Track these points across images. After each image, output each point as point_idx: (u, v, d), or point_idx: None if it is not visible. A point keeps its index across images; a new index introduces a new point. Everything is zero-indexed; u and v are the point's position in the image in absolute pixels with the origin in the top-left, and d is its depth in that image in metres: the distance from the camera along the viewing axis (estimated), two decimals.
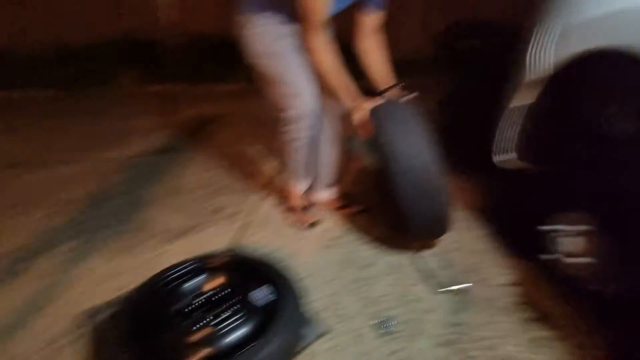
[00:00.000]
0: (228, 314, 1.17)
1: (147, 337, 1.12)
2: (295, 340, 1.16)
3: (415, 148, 1.47)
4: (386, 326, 1.34)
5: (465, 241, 1.87)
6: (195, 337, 1.11)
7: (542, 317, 1.37)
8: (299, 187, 2.04)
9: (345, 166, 2.33)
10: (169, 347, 1.11)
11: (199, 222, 2.03)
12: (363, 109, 1.57)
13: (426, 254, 1.76)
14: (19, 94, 4.72)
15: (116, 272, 1.63)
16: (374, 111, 1.56)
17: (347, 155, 2.29)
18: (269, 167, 2.68)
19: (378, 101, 1.61)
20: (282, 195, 2.12)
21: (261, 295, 1.27)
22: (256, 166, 2.72)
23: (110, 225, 1.99)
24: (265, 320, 1.16)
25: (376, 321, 1.37)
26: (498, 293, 1.51)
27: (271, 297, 1.25)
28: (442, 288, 1.53)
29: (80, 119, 3.84)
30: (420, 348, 1.27)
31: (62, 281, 1.57)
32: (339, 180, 2.20)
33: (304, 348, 1.25)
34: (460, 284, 1.53)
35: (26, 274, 1.61)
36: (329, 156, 2.04)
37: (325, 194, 2.16)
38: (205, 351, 1.07)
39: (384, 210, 1.85)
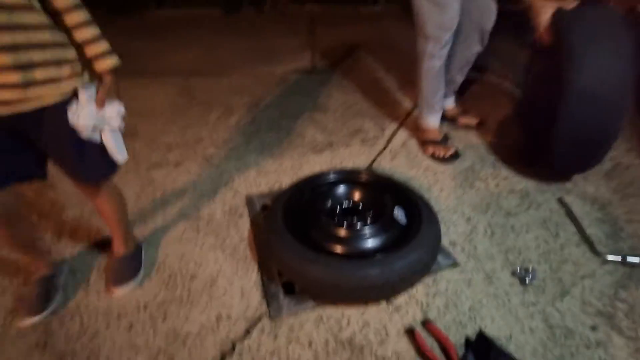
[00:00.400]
0: (372, 222, 1.27)
1: (297, 227, 1.30)
2: (430, 261, 1.21)
3: (609, 66, 1.18)
4: (525, 277, 1.26)
5: None
6: (341, 234, 1.26)
7: None
8: (434, 120, 1.98)
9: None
10: (317, 237, 1.29)
11: (340, 140, 2.16)
12: (549, 9, 1.29)
13: (590, 218, 1.51)
14: (188, 13, 5.52)
15: (270, 170, 1.92)
16: (566, 14, 1.27)
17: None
18: (406, 97, 2.62)
19: (571, 3, 1.30)
20: (419, 128, 2.05)
21: (403, 214, 1.32)
22: (394, 95, 2.69)
23: (265, 130, 2.30)
24: (406, 236, 1.22)
25: (514, 269, 1.30)
26: None
27: (413, 218, 1.30)
28: (608, 256, 1.32)
29: (240, 36, 4.33)
30: (560, 309, 1.17)
31: (228, 170, 1.94)
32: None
33: (436, 272, 1.30)
34: (634, 257, 1.28)
35: (211, 159, 2.04)
36: (457, 69, 2.04)
37: (445, 103, 2.19)
38: (349, 248, 1.22)
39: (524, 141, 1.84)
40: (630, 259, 1.29)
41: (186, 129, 2.34)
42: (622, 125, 1.39)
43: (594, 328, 1.11)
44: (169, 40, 4.23)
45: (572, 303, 1.18)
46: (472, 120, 2.21)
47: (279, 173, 1.90)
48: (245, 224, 1.57)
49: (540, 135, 1.63)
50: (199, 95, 2.85)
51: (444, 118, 2.24)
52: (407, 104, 2.55)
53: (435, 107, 1.95)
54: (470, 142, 2.07)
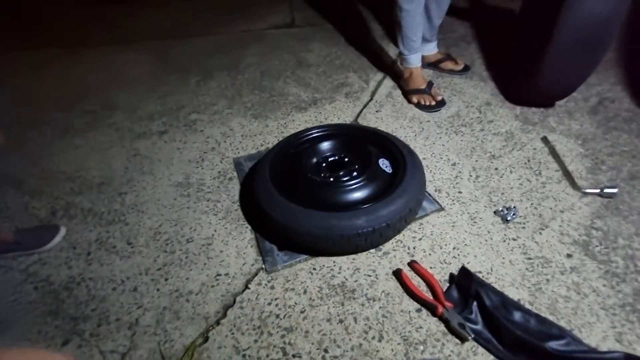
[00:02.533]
0: (358, 174, 1.30)
1: (284, 185, 1.33)
2: (415, 208, 1.25)
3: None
4: (507, 215, 1.31)
5: (632, 146, 1.55)
6: (327, 188, 1.28)
7: None
8: (415, 60, 1.94)
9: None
10: (304, 193, 1.31)
11: (324, 96, 2.12)
12: None
13: (572, 154, 1.54)
14: None
15: (256, 132, 1.90)
16: None
17: None
18: (391, 44, 2.53)
19: None
20: (402, 77, 2.01)
21: (388, 163, 1.34)
22: (378, 43, 2.59)
23: (247, 92, 2.24)
24: (392, 184, 1.25)
25: (496, 209, 1.35)
26: None
27: (398, 167, 1.32)
28: (587, 189, 1.37)
29: None
30: (539, 241, 1.23)
31: (213, 135, 1.92)
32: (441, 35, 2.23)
33: (422, 217, 1.35)
34: (611, 188, 1.33)
35: (195, 125, 2.01)
36: (436, 11, 1.98)
37: (428, 48, 2.18)
38: (336, 200, 1.25)
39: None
40: (607, 190, 1.34)
41: (166, 97, 2.28)
42: (616, 33, 1.45)
43: (569, 256, 1.18)
44: (136, 3, 3.96)
45: (551, 235, 1.25)
46: (456, 66, 2.17)
47: (264, 134, 1.89)
48: (235, 187, 1.59)
49: (531, 58, 1.66)
50: (175, 60, 2.73)
51: (429, 65, 2.19)
52: (391, 51, 2.47)
53: (415, 46, 1.89)
54: (455, 87, 2.04)
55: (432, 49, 2.19)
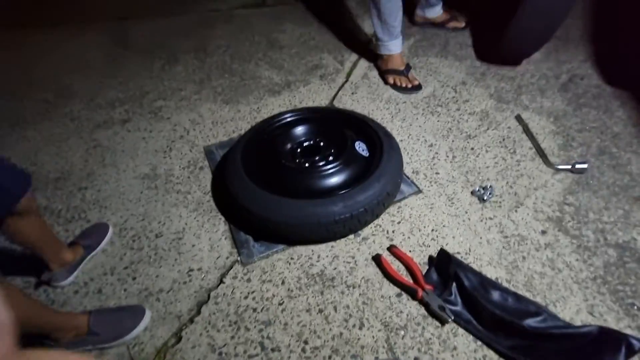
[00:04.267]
0: (334, 159, 1.25)
1: (257, 173, 1.26)
2: (393, 191, 1.22)
3: None
4: (483, 194, 1.31)
5: (601, 122, 1.58)
6: (302, 174, 1.23)
7: None
8: (395, 46, 1.87)
9: None
10: (278, 181, 1.26)
11: (297, 78, 2.03)
12: None
13: (545, 131, 1.56)
14: None
15: (227, 118, 1.81)
16: None
17: None
18: (366, 23, 2.45)
19: None
20: (379, 57, 1.95)
21: (365, 147, 1.30)
22: (353, 22, 2.51)
23: (217, 76, 2.12)
24: (368, 168, 1.21)
25: (473, 189, 1.35)
26: (632, 181, 1.32)
27: (374, 150, 1.28)
28: (559, 165, 1.38)
29: None
30: (515, 219, 1.24)
31: (181, 123, 1.81)
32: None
33: (400, 200, 1.32)
34: (581, 164, 1.36)
35: (160, 113, 1.89)
36: None
37: (435, 11, 2.25)
38: (313, 187, 1.20)
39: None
40: (578, 166, 1.36)
41: (128, 82, 2.12)
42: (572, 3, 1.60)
43: (543, 232, 1.20)
44: None
45: (526, 213, 1.26)
46: (459, 23, 2.27)
47: (236, 120, 1.79)
48: (207, 177, 1.51)
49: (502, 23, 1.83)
50: (136, 42, 2.54)
51: (434, 25, 2.30)
52: (367, 29, 2.39)
53: (395, 32, 1.83)
54: (430, 67, 2.01)
55: (438, 11, 2.26)
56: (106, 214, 1.38)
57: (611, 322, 0.95)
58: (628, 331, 0.92)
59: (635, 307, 0.98)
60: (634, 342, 0.79)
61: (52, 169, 1.59)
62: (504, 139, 1.55)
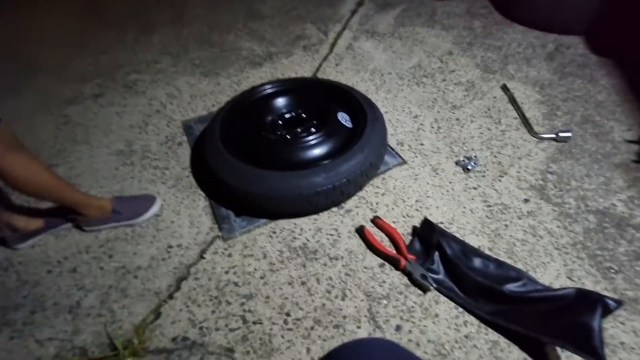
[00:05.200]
0: (316, 130, 1.21)
1: (237, 146, 1.21)
2: (376, 162, 1.20)
3: None
4: (468, 164, 1.30)
5: (585, 91, 1.57)
6: (284, 146, 1.19)
7: None
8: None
9: None
10: (259, 153, 1.21)
11: (280, 50, 1.95)
12: None
13: (530, 101, 1.54)
14: None
15: (206, 92, 1.73)
16: None
17: None
18: None
19: None
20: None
21: (348, 118, 1.26)
22: None
23: (194, 48, 2.01)
24: (352, 139, 1.18)
25: (458, 159, 1.33)
26: (613, 148, 1.32)
27: (358, 121, 1.24)
28: (541, 135, 1.37)
29: None
30: (498, 188, 1.24)
31: (158, 97, 1.72)
32: None
33: (385, 172, 1.30)
34: (565, 132, 1.35)
35: (135, 87, 1.79)
36: None
37: None
38: (293, 159, 1.16)
39: None
40: (562, 134, 1.35)
41: (100, 55, 1.99)
42: None
43: (526, 200, 1.20)
44: None
45: (509, 182, 1.26)
46: None
47: (216, 94, 1.72)
48: (185, 152, 1.45)
49: None
50: (108, 11, 2.38)
51: None
52: (351, 0, 2.30)
53: None
54: (417, 37, 1.95)
55: None
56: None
57: (589, 286, 0.97)
58: (605, 293, 0.94)
59: (613, 270, 1.00)
60: (610, 302, 0.80)
61: None
62: (489, 109, 1.53)
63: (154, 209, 1.22)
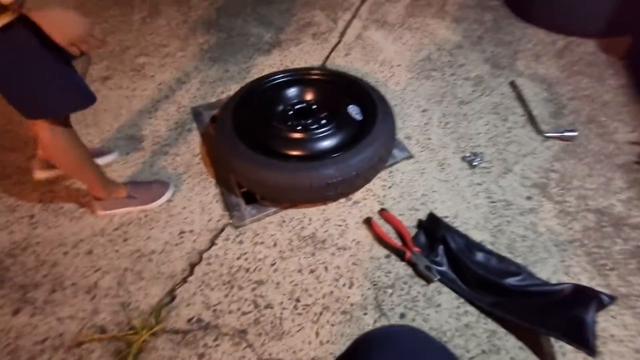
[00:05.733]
0: (326, 122, 1.22)
1: (249, 135, 1.23)
2: (385, 155, 1.22)
3: None
4: (473, 160, 1.33)
5: (592, 90, 1.58)
6: (295, 137, 1.21)
7: None
8: None
9: None
10: (271, 143, 1.23)
11: (288, 37, 1.94)
12: None
13: (537, 98, 1.55)
14: None
15: (215, 78, 1.73)
16: None
17: None
18: None
19: None
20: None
21: (358, 110, 1.27)
22: None
23: (203, 32, 2.00)
24: (361, 132, 1.20)
25: (464, 155, 1.36)
26: (616, 149, 1.35)
27: (368, 114, 1.26)
28: (548, 133, 1.40)
29: None
30: (502, 185, 1.27)
31: (166, 82, 1.72)
32: None
33: (392, 165, 1.33)
34: (570, 132, 1.38)
35: (143, 70, 1.78)
36: None
37: None
38: (304, 150, 1.19)
39: None
40: (567, 133, 1.38)
41: (107, 36, 1.98)
42: None
43: (529, 198, 1.23)
44: None
45: (513, 179, 1.29)
46: None
47: (224, 80, 1.72)
48: (195, 139, 1.47)
49: None
50: None
51: None
52: None
53: None
54: (427, 29, 1.94)
55: None
56: None
57: (584, 281, 1.02)
58: (599, 289, 0.99)
59: (607, 268, 1.05)
60: (604, 297, 0.85)
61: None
62: (496, 106, 1.55)
63: (167, 195, 1.26)
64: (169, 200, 1.26)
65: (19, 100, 0.90)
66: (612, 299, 0.85)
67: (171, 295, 1.03)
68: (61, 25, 0.78)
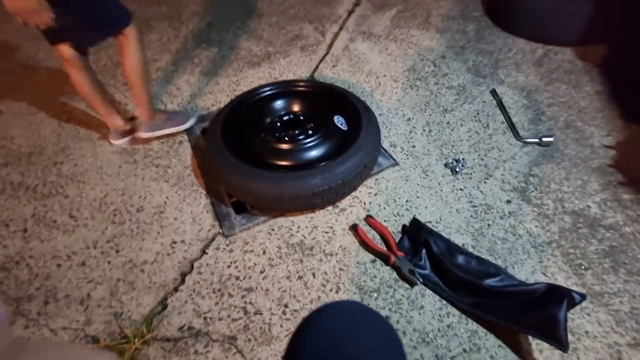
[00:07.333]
0: (313, 132, 1.27)
1: (238, 146, 1.27)
2: (370, 164, 1.27)
3: None
4: (456, 167, 1.38)
5: (570, 97, 1.65)
6: (282, 148, 1.25)
7: (632, 182, 1.30)
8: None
9: None
10: (259, 154, 1.27)
11: (278, 49, 1.99)
12: None
13: (517, 105, 1.61)
14: None
15: (205, 91, 1.77)
16: None
17: None
18: None
19: None
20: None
21: (344, 120, 1.32)
22: None
23: (193, 46, 2.05)
24: (347, 141, 1.25)
25: (447, 161, 1.41)
26: (592, 153, 1.41)
27: (353, 124, 1.30)
28: (525, 139, 1.46)
29: None
30: (483, 190, 1.32)
31: (158, 95, 1.76)
32: None
33: (378, 173, 1.37)
34: (548, 137, 1.43)
35: None
36: None
37: None
38: (292, 160, 1.23)
39: None
40: (545, 139, 1.43)
41: (98, 52, 2.01)
42: None
43: (508, 201, 1.28)
44: None
45: (494, 184, 1.34)
46: None
47: (215, 93, 1.76)
48: (186, 151, 1.51)
49: None
50: None
51: None
52: (348, 0, 2.34)
53: None
54: (411, 40, 2.01)
55: None
56: (84, 189, 1.37)
57: (561, 281, 1.06)
58: (575, 288, 1.03)
59: (583, 267, 1.09)
60: (575, 295, 0.89)
61: (24, 144, 1.55)
62: (478, 113, 1.60)
63: (192, 120, 1.54)
64: (161, 212, 1.29)
65: (110, 15, 1.26)
66: (583, 297, 0.89)
67: (163, 304, 1.06)
68: None
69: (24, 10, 0.98)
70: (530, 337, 0.94)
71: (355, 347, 0.44)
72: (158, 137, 1.52)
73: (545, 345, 0.92)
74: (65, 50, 1.26)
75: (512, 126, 1.53)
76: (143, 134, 1.48)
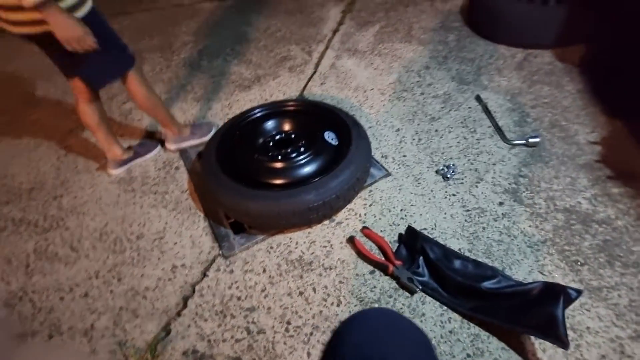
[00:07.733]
0: (305, 150, 1.30)
1: (233, 168, 1.30)
2: (362, 176, 1.30)
3: None
4: (447, 173, 1.41)
5: (552, 97, 1.70)
6: (275, 167, 1.28)
7: (619, 176, 1.32)
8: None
9: None
10: (253, 174, 1.30)
11: (267, 72, 2.06)
12: None
13: (502, 109, 1.66)
14: None
15: (199, 116, 1.82)
16: None
17: None
18: (332, 12, 2.47)
19: None
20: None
21: (334, 136, 1.36)
22: (318, 11, 2.53)
23: (185, 74, 2.11)
24: (338, 156, 1.28)
25: (437, 168, 1.44)
26: (578, 150, 1.44)
27: (343, 138, 1.34)
28: (513, 142, 1.49)
29: None
30: (475, 194, 1.34)
31: (153, 124, 1.79)
32: None
33: (371, 184, 1.40)
34: (534, 138, 1.47)
35: (130, 115, 1.87)
36: None
37: None
38: (286, 178, 1.26)
39: None
40: (531, 139, 1.47)
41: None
42: None
43: (501, 204, 1.30)
44: None
45: (485, 187, 1.37)
46: None
47: (208, 118, 1.81)
48: (183, 176, 1.54)
49: None
50: None
51: None
52: (332, 19, 2.43)
53: None
54: (395, 53, 2.08)
55: None
56: (85, 220, 1.39)
57: (558, 279, 1.07)
58: (572, 284, 1.04)
59: (579, 263, 1.11)
60: (571, 292, 0.90)
61: (25, 180, 1.58)
62: (465, 119, 1.65)
63: (213, 130, 1.65)
64: (161, 238, 1.31)
65: (116, 62, 1.38)
66: (579, 292, 0.90)
67: (166, 329, 1.06)
68: (62, 27, 1.09)
69: (74, 38, 1.11)
70: (532, 337, 0.94)
71: (393, 349, 0.46)
72: (183, 148, 1.68)
73: (548, 344, 0.92)
74: (79, 83, 1.37)
75: (498, 130, 1.57)
76: (171, 146, 1.64)
